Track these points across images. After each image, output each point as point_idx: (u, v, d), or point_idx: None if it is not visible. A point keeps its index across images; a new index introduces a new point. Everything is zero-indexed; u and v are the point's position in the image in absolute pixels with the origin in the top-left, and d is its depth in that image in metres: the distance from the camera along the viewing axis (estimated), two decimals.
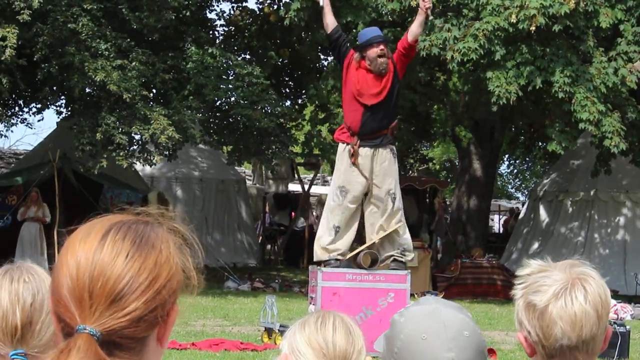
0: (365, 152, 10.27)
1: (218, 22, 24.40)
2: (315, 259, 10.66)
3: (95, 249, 1.66)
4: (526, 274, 2.24)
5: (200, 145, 22.56)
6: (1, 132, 22.33)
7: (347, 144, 10.27)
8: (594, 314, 2.18)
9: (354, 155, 10.21)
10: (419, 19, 10.25)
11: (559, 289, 2.18)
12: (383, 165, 10.34)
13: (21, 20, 17.33)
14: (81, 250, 1.66)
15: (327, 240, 10.42)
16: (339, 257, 10.41)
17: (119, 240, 1.67)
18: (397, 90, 10.51)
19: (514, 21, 17.76)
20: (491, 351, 11.29)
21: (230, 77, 19.95)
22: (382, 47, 10.19)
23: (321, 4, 10.19)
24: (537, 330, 2.18)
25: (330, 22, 10.26)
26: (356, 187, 10.28)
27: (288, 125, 21.54)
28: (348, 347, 2.63)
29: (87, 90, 18.93)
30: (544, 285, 2.19)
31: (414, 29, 10.19)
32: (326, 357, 2.61)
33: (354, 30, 20.10)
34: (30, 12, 17.39)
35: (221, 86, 19.43)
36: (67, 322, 1.64)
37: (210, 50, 19.47)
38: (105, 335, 1.62)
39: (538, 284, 2.20)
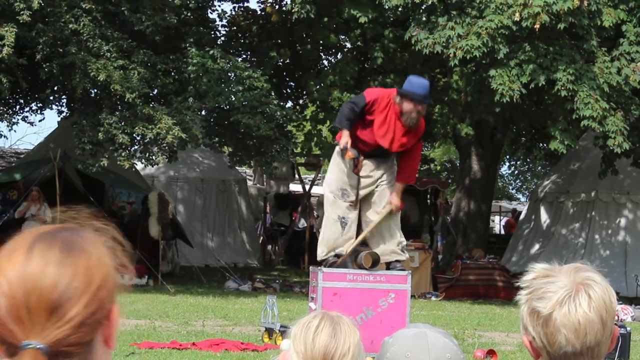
0: (367, 164, 10.31)
1: (219, 23, 24.40)
2: (319, 257, 10.60)
3: (24, 264, 1.64)
4: (531, 278, 2.24)
5: (201, 146, 22.57)
6: (1, 132, 22.33)
7: (352, 158, 10.22)
8: (598, 321, 2.17)
9: (357, 166, 10.23)
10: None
11: (563, 295, 2.18)
12: (385, 167, 10.34)
13: (21, 21, 17.34)
14: (9, 267, 1.64)
15: (334, 233, 10.36)
16: (341, 253, 10.39)
17: (45, 250, 1.65)
18: (413, 156, 10.45)
19: (518, 19, 17.76)
20: (492, 352, 11.29)
21: (232, 79, 19.93)
22: (420, 108, 10.14)
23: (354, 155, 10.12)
24: (542, 337, 2.19)
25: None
26: (358, 191, 10.30)
27: (289, 127, 21.52)
28: (328, 350, 2.64)
29: (89, 89, 18.92)
30: (548, 291, 2.19)
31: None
32: (306, 358, 2.63)
33: (357, 31, 20.15)
34: (30, 12, 17.40)
35: (223, 90, 19.40)
36: (11, 342, 1.62)
37: (211, 52, 19.46)
38: (51, 347, 1.61)
39: (542, 290, 2.20)
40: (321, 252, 10.50)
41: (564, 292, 2.18)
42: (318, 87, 21.80)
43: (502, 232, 37.25)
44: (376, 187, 10.33)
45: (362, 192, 10.32)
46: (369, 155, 10.27)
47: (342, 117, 10.10)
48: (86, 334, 1.64)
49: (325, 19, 21.68)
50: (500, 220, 40.58)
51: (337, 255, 10.39)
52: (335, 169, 10.44)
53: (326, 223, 10.47)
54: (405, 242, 10.77)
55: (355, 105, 10.10)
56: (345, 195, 10.28)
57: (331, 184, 10.41)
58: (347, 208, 10.33)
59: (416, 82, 10.42)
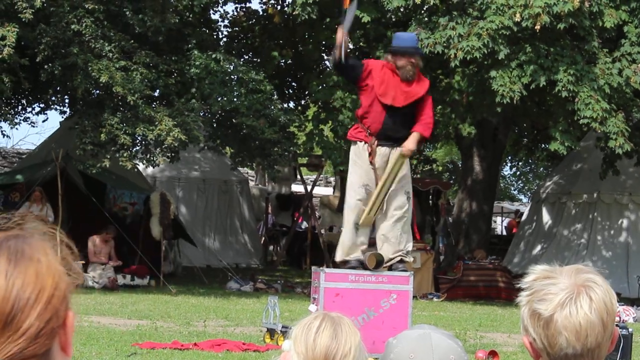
0: (382, 151, 10.25)
1: (221, 24, 24.41)
2: (337, 259, 10.59)
3: None
4: (532, 280, 2.24)
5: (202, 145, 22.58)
6: (4, 132, 22.35)
7: (365, 142, 10.24)
8: (599, 323, 2.17)
9: (371, 154, 10.19)
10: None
11: (564, 298, 2.18)
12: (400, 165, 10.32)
13: (23, 20, 17.35)
14: None
15: (350, 239, 10.35)
16: (359, 258, 10.37)
17: None
18: (425, 108, 10.43)
19: (518, 20, 17.76)
20: (494, 353, 11.29)
21: (234, 82, 19.93)
22: (414, 60, 10.23)
23: (342, 40, 10.11)
24: (542, 339, 2.18)
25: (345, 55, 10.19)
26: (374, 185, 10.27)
27: (291, 128, 21.53)
28: (329, 351, 2.63)
29: (91, 90, 18.94)
30: (549, 293, 2.19)
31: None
32: (307, 359, 2.62)
33: (359, 32, 20.15)
34: (33, 11, 17.41)
35: (226, 93, 19.39)
36: None
37: (214, 56, 19.47)
38: None
39: (543, 292, 2.19)
40: (338, 256, 10.52)
41: (565, 294, 2.18)
42: (320, 87, 21.79)
43: (504, 232, 37.23)
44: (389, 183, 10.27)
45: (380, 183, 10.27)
46: (381, 137, 10.23)
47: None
48: (42, 344, 1.59)
49: (328, 19, 21.67)
50: (502, 221, 40.56)
51: (358, 262, 10.36)
52: (354, 169, 10.40)
53: (345, 227, 10.47)
54: (411, 247, 10.76)
55: (353, 66, 10.35)
56: (368, 192, 10.24)
57: (354, 184, 10.35)
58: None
59: (404, 37, 10.67)
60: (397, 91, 10.17)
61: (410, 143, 10.22)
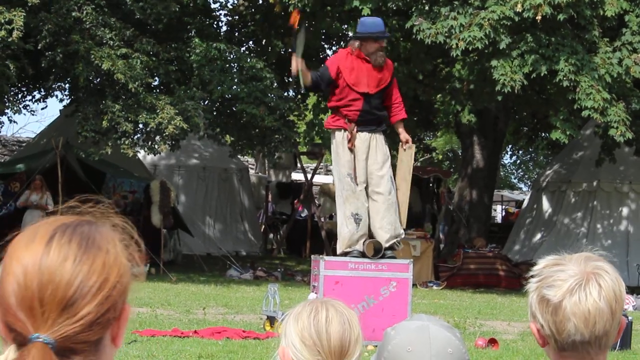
0: (362, 136, 10.26)
1: (222, 12, 24.35)
2: (338, 252, 10.57)
3: (42, 255, 1.62)
4: (541, 267, 2.24)
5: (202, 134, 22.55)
6: (10, 118, 22.24)
7: (344, 129, 10.25)
8: (607, 311, 2.17)
9: (350, 140, 10.19)
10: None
11: (574, 284, 2.18)
12: (382, 150, 10.34)
13: (30, 4, 17.36)
14: (27, 256, 1.62)
15: (350, 231, 10.34)
16: (360, 250, 10.36)
17: (65, 244, 1.63)
18: (394, 91, 10.55)
19: (520, 10, 17.74)
20: (493, 341, 11.30)
21: (235, 70, 19.91)
22: (383, 44, 10.27)
23: (297, 68, 10.09)
24: (550, 325, 2.18)
25: (310, 77, 10.21)
26: (361, 171, 10.26)
27: (291, 117, 21.51)
28: (344, 338, 2.61)
29: (92, 78, 18.93)
30: (558, 279, 2.19)
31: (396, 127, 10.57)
32: (321, 352, 2.59)
33: (360, 18, 20.08)
34: None
35: (226, 80, 19.37)
36: (19, 332, 1.60)
37: (214, 45, 19.44)
38: (59, 343, 1.59)
39: (552, 279, 2.19)
40: (339, 249, 10.51)
41: (575, 280, 2.18)
42: None
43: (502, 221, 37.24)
44: (372, 166, 10.30)
45: (365, 175, 10.29)
46: (360, 123, 10.25)
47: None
48: (96, 332, 1.63)
49: (329, 8, 21.63)
50: (502, 209, 40.57)
51: (359, 252, 10.36)
52: (335, 158, 10.44)
53: (342, 221, 10.44)
54: (403, 235, 10.75)
55: (321, 77, 10.30)
56: (354, 180, 10.25)
57: (340, 174, 10.36)
58: (361, 203, 10.29)
59: (369, 22, 10.63)
60: (369, 78, 10.21)
61: (404, 134, 10.42)
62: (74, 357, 1.61)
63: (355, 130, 10.18)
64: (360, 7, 19.02)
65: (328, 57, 25.06)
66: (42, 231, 1.66)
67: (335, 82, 10.22)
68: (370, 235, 10.48)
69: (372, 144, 10.28)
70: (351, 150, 10.19)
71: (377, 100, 10.33)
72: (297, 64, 10.03)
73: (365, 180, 10.29)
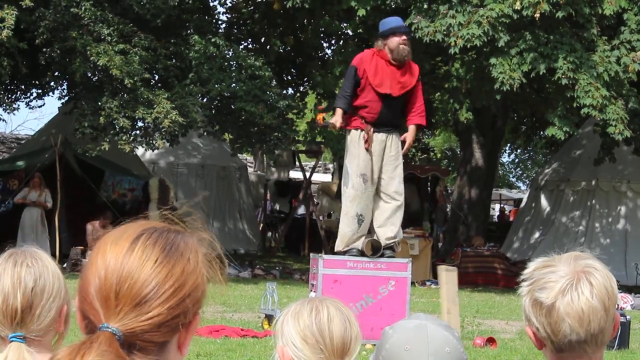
0: (379, 137, 10.25)
1: (220, 10, 24.35)
2: (337, 249, 10.57)
3: (126, 253, 1.70)
4: (531, 270, 2.25)
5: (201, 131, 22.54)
6: (1, 117, 22.20)
7: (361, 130, 10.23)
8: (601, 308, 2.18)
9: (367, 141, 10.18)
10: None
11: (565, 284, 2.18)
12: (396, 152, 10.32)
13: (23, 6, 17.33)
14: (111, 252, 1.71)
15: (352, 230, 10.33)
16: (358, 248, 10.36)
17: (149, 245, 1.71)
18: (417, 96, 10.48)
19: (519, 8, 17.74)
20: (491, 340, 11.31)
21: (233, 68, 19.90)
22: (404, 37, 10.24)
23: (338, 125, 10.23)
24: (546, 327, 2.19)
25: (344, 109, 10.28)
26: (375, 173, 10.25)
27: (290, 116, 21.52)
28: (345, 336, 2.62)
29: (89, 74, 18.91)
30: (549, 281, 2.19)
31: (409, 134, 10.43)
32: (324, 351, 2.59)
33: (356, 18, 20.10)
34: None
35: (225, 78, 19.37)
36: (91, 320, 1.69)
37: (213, 40, 19.43)
38: (126, 336, 1.66)
39: (544, 281, 2.20)
40: (338, 247, 10.51)
41: (566, 280, 2.19)
42: (322, 78, 21.73)
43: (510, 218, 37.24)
44: (385, 167, 10.29)
45: (377, 178, 10.28)
46: (377, 125, 10.25)
47: (338, 96, 10.46)
48: (162, 334, 1.69)
49: (327, 7, 21.64)
50: (501, 208, 40.58)
51: (358, 251, 10.36)
52: (350, 158, 10.37)
53: (344, 219, 10.43)
54: (401, 236, 10.76)
55: (348, 78, 10.30)
56: (367, 181, 10.23)
57: (351, 174, 10.31)
58: (367, 205, 10.28)
59: (390, 20, 10.62)
60: (393, 81, 10.19)
61: (410, 138, 10.35)
62: (137, 354, 1.68)
63: (371, 131, 10.18)
64: (355, 7, 19.03)
65: (327, 56, 25.08)
66: (130, 231, 1.74)
67: (359, 81, 10.22)
68: (370, 234, 10.48)
69: (388, 143, 10.28)
70: (367, 150, 10.19)
71: (398, 104, 10.29)
72: (338, 118, 10.14)
73: (377, 180, 10.29)
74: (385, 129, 10.24)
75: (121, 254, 1.70)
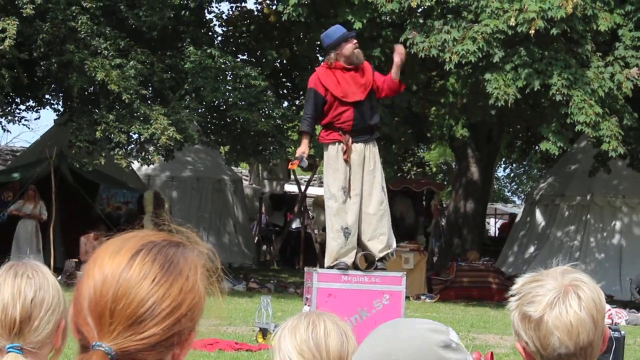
0: (357, 148, 10.26)
1: (216, 23, 24.38)
2: (326, 266, 10.52)
3: (124, 268, 1.66)
4: (519, 285, 2.25)
5: (197, 145, 22.56)
6: (4, 127, 22.02)
7: (339, 142, 10.24)
8: (589, 321, 2.18)
9: (346, 152, 10.19)
10: (394, 68, 10.19)
11: (553, 298, 2.19)
12: (374, 160, 10.34)
13: (24, 15, 17.36)
14: (109, 265, 1.66)
15: (339, 244, 10.30)
16: (346, 262, 10.31)
17: (148, 262, 1.67)
18: (374, 96, 10.50)
19: (513, 24, 17.79)
20: (491, 356, 11.28)
21: (229, 78, 19.94)
22: (355, 41, 10.35)
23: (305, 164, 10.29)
24: (535, 341, 2.19)
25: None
26: (356, 184, 10.24)
27: (286, 127, 21.54)
28: (342, 351, 2.61)
29: (85, 86, 18.92)
30: (537, 295, 2.20)
31: (394, 75, 10.20)
32: None
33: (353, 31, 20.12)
34: (34, 6, 17.42)
35: (219, 87, 19.41)
36: (85, 336, 1.65)
37: (209, 51, 19.46)
38: (119, 355, 1.62)
39: (532, 295, 2.20)
40: (327, 262, 10.46)
41: (553, 294, 2.19)
42: None
43: (497, 234, 37.26)
44: (364, 180, 10.29)
45: (360, 188, 10.27)
46: (355, 132, 10.24)
47: (302, 120, 10.55)
48: (157, 354, 1.66)
49: (322, 20, 21.67)
50: (496, 222, 40.59)
51: (346, 264, 10.32)
52: (329, 171, 10.39)
53: (330, 234, 10.40)
54: (394, 243, 10.73)
55: (308, 100, 10.36)
56: (347, 193, 10.23)
57: (331, 187, 10.29)
58: (351, 217, 10.26)
59: (333, 30, 10.61)
60: (355, 86, 10.23)
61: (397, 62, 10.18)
62: None
63: (350, 141, 10.18)
64: (352, 20, 19.05)
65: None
66: (130, 244, 1.69)
67: (323, 99, 10.23)
68: (363, 248, 10.46)
69: (367, 154, 10.29)
70: (346, 162, 10.19)
71: (367, 105, 10.34)
72: (304, 148, 10.21)
73: (360, 192, 10.27)
74: (362, 139, 10.25)
75: (119, 268, 1.66)
